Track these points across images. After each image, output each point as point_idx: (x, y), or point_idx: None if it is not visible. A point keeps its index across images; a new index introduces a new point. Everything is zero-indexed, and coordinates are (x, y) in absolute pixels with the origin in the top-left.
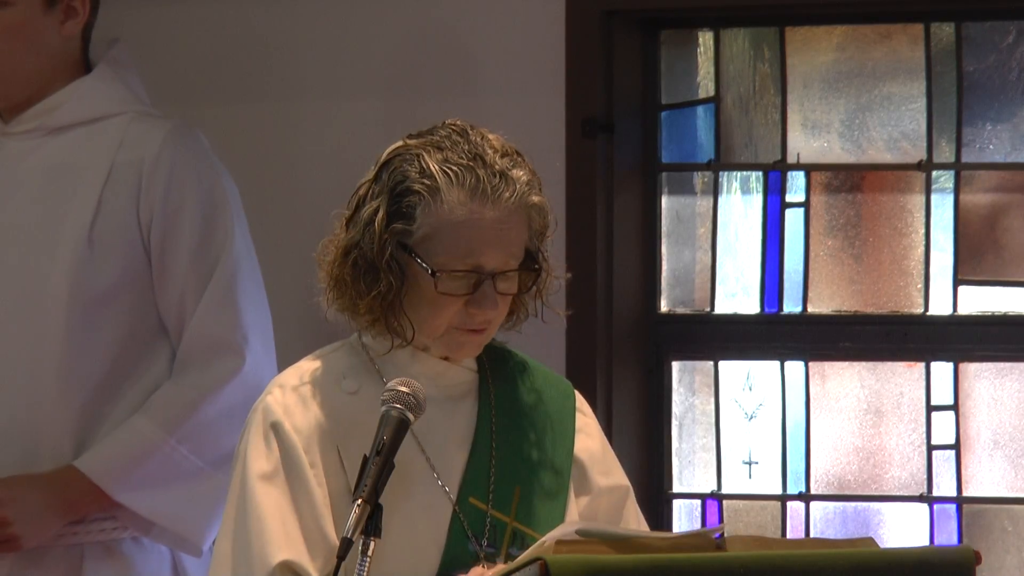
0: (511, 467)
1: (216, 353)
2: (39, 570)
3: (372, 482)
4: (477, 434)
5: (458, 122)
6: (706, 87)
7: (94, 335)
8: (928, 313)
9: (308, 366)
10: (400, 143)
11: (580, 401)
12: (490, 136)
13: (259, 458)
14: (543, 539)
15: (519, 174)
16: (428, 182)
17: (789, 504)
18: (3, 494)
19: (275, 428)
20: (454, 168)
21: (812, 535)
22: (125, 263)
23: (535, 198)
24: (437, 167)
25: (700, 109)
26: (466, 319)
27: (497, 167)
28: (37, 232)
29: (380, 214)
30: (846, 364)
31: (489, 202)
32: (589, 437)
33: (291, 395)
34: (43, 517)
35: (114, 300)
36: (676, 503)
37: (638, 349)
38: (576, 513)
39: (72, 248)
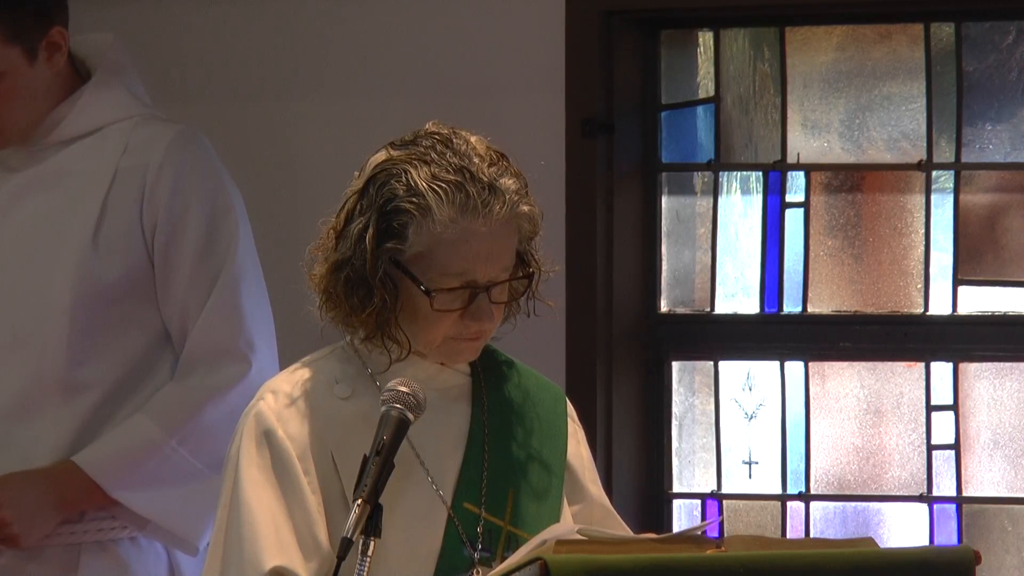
0: (503, 470)
1: (221, 357)
2: (36, 565)
3: (372, 482)
4: (470, 437)
5: (441, 129)
6: (706, 87)
7: (98, 339)
8: (928, 313)
9: (300, 372)
10: (384, 155)
11: (570, 408)
12: (473, 140)
13: (251, 465)
14: (542, 537)
15: (507, 183)
16: (417, 200)
17: (789, 504)
18: (1, 494)
19: (268, 435)
20: (442, 185)
21: (812, 535)
22: (129, 267)
23: (525, 207)
24: (425, 185)
25: (700, 109)
26: (462, 330)
27: (485, 179)
28: (42, 236)
29: (370, 232)
30: (846, 364)
31: (480, 217)
32: (580, 444)
33: (284, 402)
34: (41, 514)
35: (118, 304)
36: (676, 503)
37: (638, 349)
38: (571, 518)
39: (76, 252)
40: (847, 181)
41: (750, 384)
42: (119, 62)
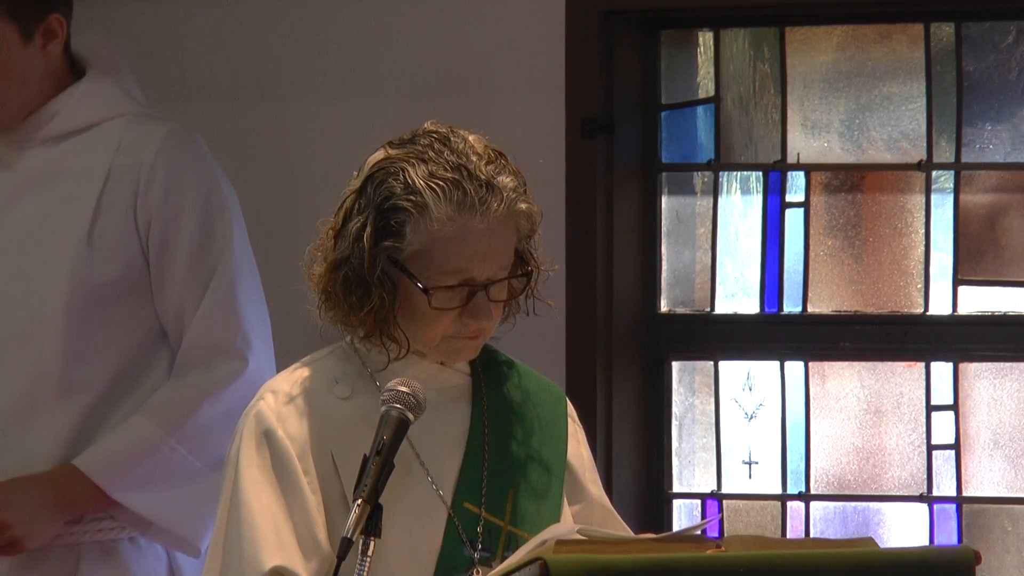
0: (503, 470)
1: (218, 355)
2: (36, 571)
3: (372, 482)
4: (470, 437)
5: (439, 127)
6: (706, 87)
7: (94, 338)
8: (928, 313)
9: (300, 372)
10: (382, 154)
11: (571, 408)
12: (471, 139)
13: (251, 465)
14: (542, 537)
15: (505, 181)
16: (415, 198)
17: (789, 504)
18: (1, 498)
19: (268, 435)
20: (440, 183)
21: (812, 535)
22: (124, 266)
23: (522, 205)
24: (423, 183)
25: (700, 109)
26: (461, 328)
27: (483, 177)
28: (36, 235)
29: (368, 230)
30: (846, 364)
31: (477, 215)
32: (580, 445)
33: (284, 401)
34: (42, 517)
35: (113, 303)
36: (676, 503)
37: (638, 349)
38: (571, 518)
39: (71, 250)
40: (847, 181)
41: (750, 384)
42: (113, 60)
